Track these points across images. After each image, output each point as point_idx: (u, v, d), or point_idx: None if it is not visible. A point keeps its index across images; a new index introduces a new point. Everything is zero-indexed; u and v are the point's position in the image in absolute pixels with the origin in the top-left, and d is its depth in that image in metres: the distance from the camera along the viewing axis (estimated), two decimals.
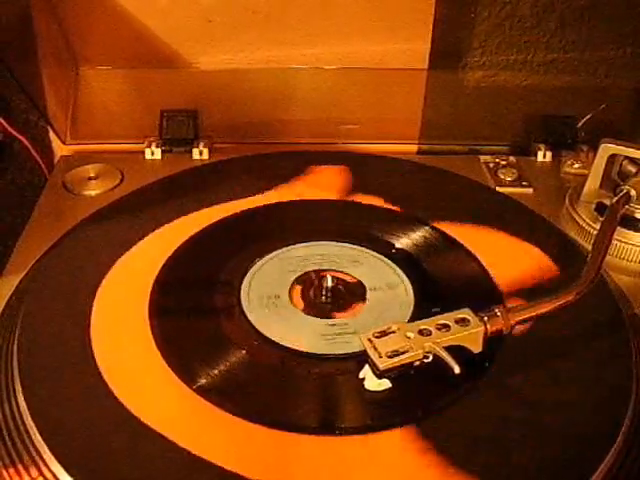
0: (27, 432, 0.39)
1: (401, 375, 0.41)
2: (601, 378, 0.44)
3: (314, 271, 0.52)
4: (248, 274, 0.51)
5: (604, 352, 0.46)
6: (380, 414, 0.41)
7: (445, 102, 0.74)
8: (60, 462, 0.37)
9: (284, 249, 0.54)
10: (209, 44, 0.68)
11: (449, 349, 0.40)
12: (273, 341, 0.46)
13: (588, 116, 0.71)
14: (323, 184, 0.62)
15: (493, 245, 0.55)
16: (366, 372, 0.42)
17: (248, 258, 0.53)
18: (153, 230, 0.55)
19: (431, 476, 0.38)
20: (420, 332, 0.41)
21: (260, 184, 0.61)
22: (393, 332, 0.41)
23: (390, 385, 0.41)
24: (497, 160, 0.69)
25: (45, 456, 0.38)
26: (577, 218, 0.59)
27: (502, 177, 0.67)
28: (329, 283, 0.50)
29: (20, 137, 0.68)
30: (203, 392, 0.42)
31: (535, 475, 0.38)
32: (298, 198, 0.60)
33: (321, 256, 0.54)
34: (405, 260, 0.53)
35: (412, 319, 0.47)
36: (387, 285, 0.51)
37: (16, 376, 0.42)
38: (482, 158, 0.70)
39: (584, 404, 0.42)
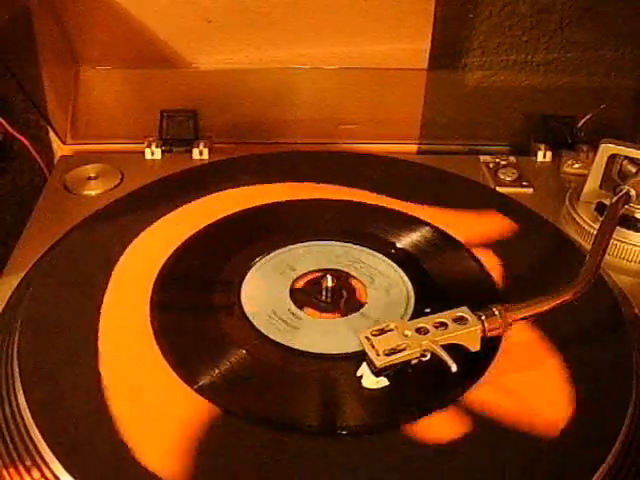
0: (27, 432, 0.39)
1: (398, 373, 0.41)
2: (601, 378, 0.44)
3: (314, 270, 0.52)
4: (249, 273, 0.52)
5: (604, 352, 0.46)
6: (379, 413, 0.41)
7: (445, 102, 0.74)
8: (60, 462, 0.37)
9: (285, 248, 0.54)
10: (209, 44, 0.68)
11: (447, 348, 0.40)
12: (273, 340, 0.46)
13: (588, 116, 0.71)
14: (323, 184, 0.62)
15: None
16: (364, 370, 0.42)
17: (249, 257, 0.53)
18: (153, 230, 0.55)
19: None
20: (418, 330, 0.41)
21: (260, 184, 0.61)
22: (391, 330, 0.41)
23: (387, 383, 0.41)
24: (497, 160, 0.69)
25: (45, 456, 0.38)
26: (577, 218, 0.59)
27: (502, 177, 0.67)
28: (329, 282, 0.50)
29: (20, 137, 0.68)
30: (203, 392, 0.42)
31: (535, 476, 0.38)
32: (298, 198, 0.60)
33: (321, 255, 0.54)
34: (405, 260, 0.53)
35: (412, 318, 0.47)
36: (387, 284, 0.51)
37: (16, 376, 0.42)
38: (482, 158, 0.70)
39: (584, 404, 0.42)
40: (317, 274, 0.52)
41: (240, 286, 0.50)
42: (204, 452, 0.38)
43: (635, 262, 0.56)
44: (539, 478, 0.38)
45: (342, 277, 0.51)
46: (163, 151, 0.68)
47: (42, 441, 0.38)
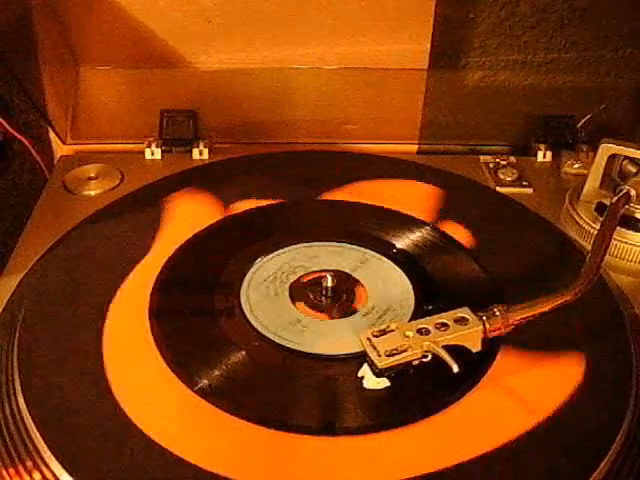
0: (27, 432, 0.39)
1: (400, 374, 0.41)
2: (601, 378, 0.44)
3: (314, 271, 0.52)
4: (248, 274, 0.51)
5: (604, 352, 0.46)
6: (380, 414, 0.41)
7: (445, 102, 0.74)
8: (60, 462, 0.37)
9: (284, 249, 0.54)
10: (209, 44, 0.68)
11: (448, 348, 0.40)
12: (273, 341, 0.46)
13: (588, 116, 0.71)
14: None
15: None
16: (365, 371, 0.42)
17: (248, 258, 0.53)
18: (153, 230, 0.55)
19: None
20: (419, 331, 0.41)
21: (260, 184, 0.61)
22: (392, 331, 0.41)
23: (389, 383, 0.41)
24: (497, 160, 0.69)
25: (45, 456, 0.38)
26: (577, 218, 0.59)
27: (502, 177, 0.67)
28: (329, 283, 0.50)
29: (20, 137, 0.68)
30: (203, 393, 0.42)
31: (536, 475, 0.38)
32: (298, 198, 0.60)
33: (321, 256, 0.54)
34: (405, 260, 0.53)
35: (412, 319, 0.47)
36: (387, 285, 0.51)
37: (16, 377, 0.42)
38: (482, 158, 0.70)
39: (584, 404, 0.42)
40: (317, 274, 0.52)
41: (240, 287, 0.50)
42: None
43: (635, 262, 0.56)
44: (539, 477, 0.38)
45: (342, 277, 0.51)
46: (163, 151, 0.68)
47: (42, 441, 0.38)
